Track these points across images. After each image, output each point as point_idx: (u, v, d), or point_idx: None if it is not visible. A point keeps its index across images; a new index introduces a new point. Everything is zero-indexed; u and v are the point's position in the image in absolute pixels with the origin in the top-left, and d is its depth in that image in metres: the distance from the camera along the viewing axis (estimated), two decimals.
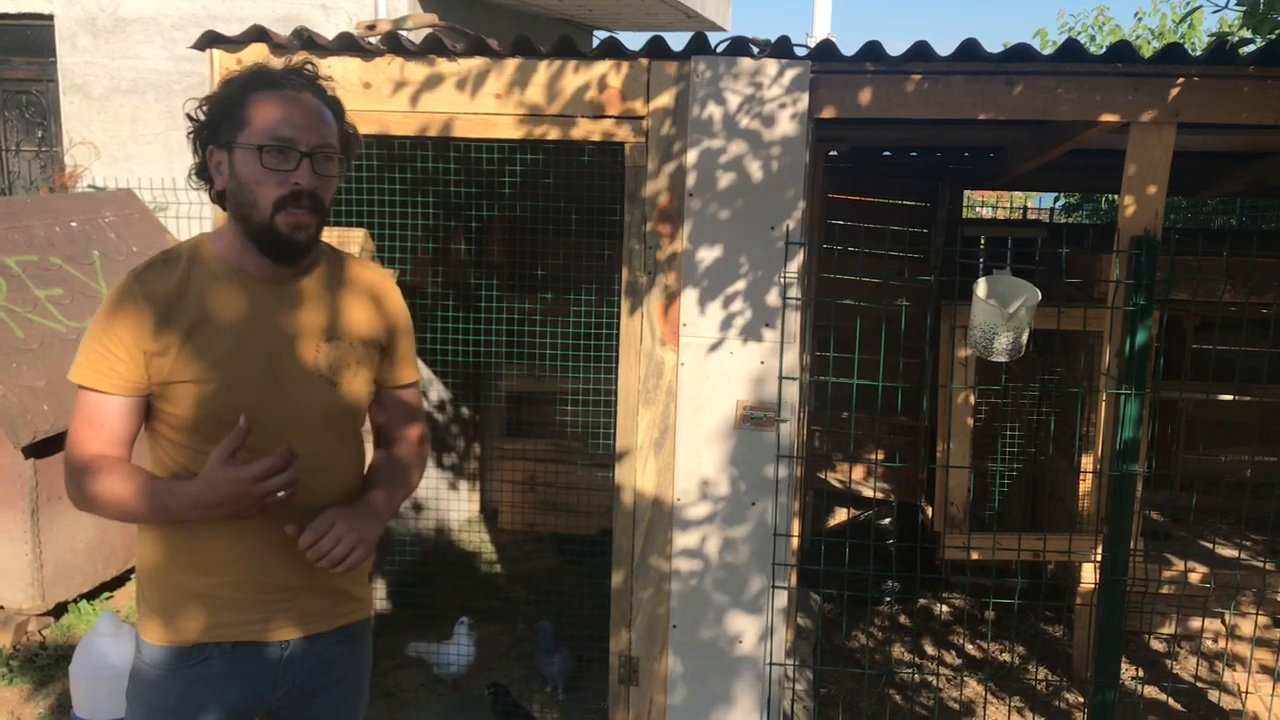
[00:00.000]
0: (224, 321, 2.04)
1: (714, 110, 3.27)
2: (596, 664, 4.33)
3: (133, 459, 2.08)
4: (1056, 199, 10.49)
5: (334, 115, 2.08)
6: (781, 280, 3.31)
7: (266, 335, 2.07)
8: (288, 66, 2.10)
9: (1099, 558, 3.56)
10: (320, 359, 2.10)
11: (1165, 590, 4.62)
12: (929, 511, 5.39)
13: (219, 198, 2.07)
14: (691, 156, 3.30)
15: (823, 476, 5.78)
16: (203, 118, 2.06)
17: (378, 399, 2.25)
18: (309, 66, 2.11)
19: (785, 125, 3.26)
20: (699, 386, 3.38)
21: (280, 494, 1.92)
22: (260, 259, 2.06)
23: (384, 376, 2.24)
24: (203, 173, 2.08)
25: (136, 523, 2.08)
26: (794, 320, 3.34)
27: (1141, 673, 4.55)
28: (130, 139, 8.97)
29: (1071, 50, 3.28)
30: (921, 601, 5.32)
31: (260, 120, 1.98)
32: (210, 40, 3.48)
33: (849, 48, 3.35)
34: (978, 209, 10.88)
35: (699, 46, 3.30)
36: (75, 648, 3.43)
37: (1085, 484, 4.38)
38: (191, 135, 2.08)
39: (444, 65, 3.41)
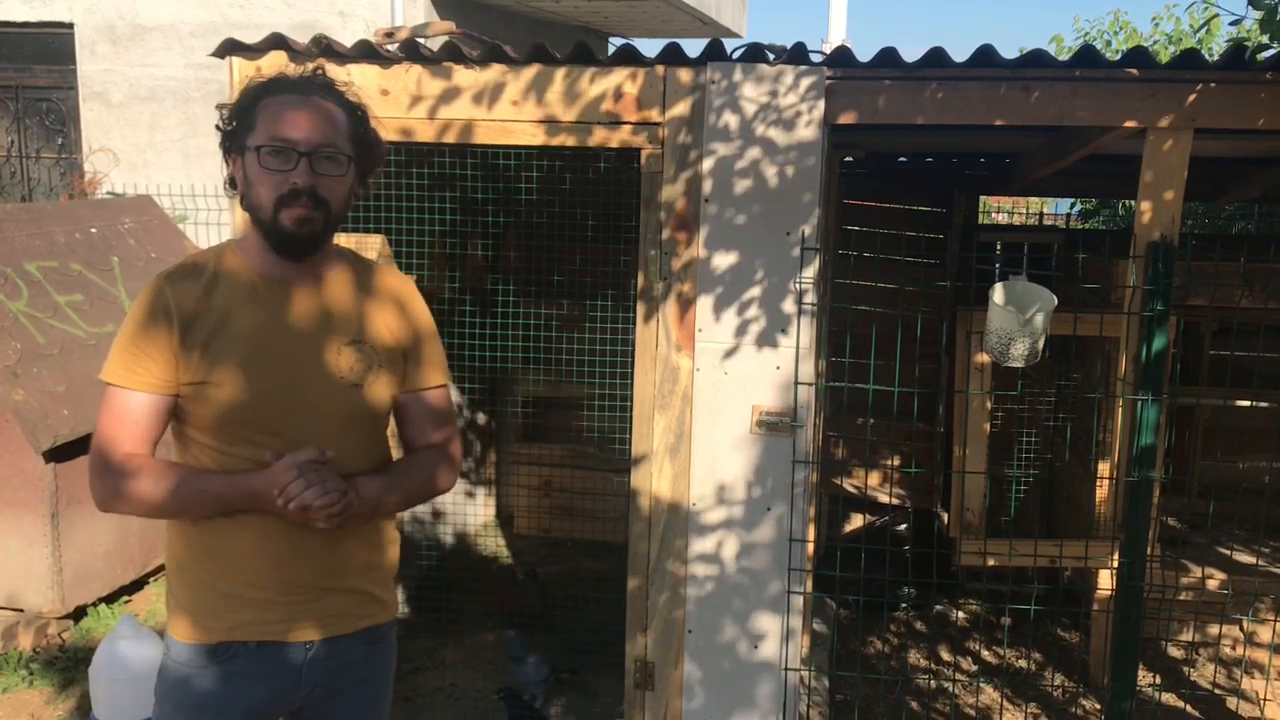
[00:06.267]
0: (247, 324, 2.07)
1: (730, 117, 3.28)
2: (568, 675, 4.37)
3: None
4: (1073, 205, 10.45)
5: (348, 119, 2.11)
6: (797, 286, 3.31)
7: (288, 338, 2.10)
8: (302, 73, 2.13)
9: (1116, 564, 3.55)
10: (341, 362, 2.13)
11: (1183, 597, 4.60)
12: (945, 517, 5.38)
13: (244, 203, 2.11)
14: (708, 163, 3.31)
15: (838, 482, 5.77)
16: (225, 127, 2.11)
17: (406, 403, 2.26)
18: (321, 72, 2.15)
19: (801, 131, 3.27)
20: (715, 392, 3.39)
21: (293, 504, 1.99)
22: (281, 263, 2.10)
23: (412, 380, 2.25)
24: (234, 182, 2.13)
25: (167, 515, 2.11)
26: (809, 326, 3.34)
27: (1159, 679, 4.53)
28: (149, 146, 9.03)
29: (1088, 56, 3.28)
30: (937, 608, 5.30)
31: (263, 123, 2.03)
32: (230, 48, 3.51)
33: (864, 54, 3.36)
34: (994, 215, 10.84)
35: (715, 53, 3.31)
36: (94, 650, 3.46)
37: (1102, 490, 4.37)
38: (221, 145, 2.13)
39: (461, 72, 3.43)
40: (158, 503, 2.05)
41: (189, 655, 2.13)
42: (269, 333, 2.09)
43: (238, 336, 2.06)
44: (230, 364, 2.05)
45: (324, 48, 3.48)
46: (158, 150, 9.03)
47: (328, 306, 2.15)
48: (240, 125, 2.06)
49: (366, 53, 3.47)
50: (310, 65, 2.21)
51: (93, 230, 5.66)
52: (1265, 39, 3.69)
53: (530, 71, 3.39)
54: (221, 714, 2.14)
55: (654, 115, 3.35)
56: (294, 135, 2.02)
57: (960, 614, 5.26)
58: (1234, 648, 4.80)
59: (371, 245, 3.78)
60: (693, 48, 3.36)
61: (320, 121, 2.05)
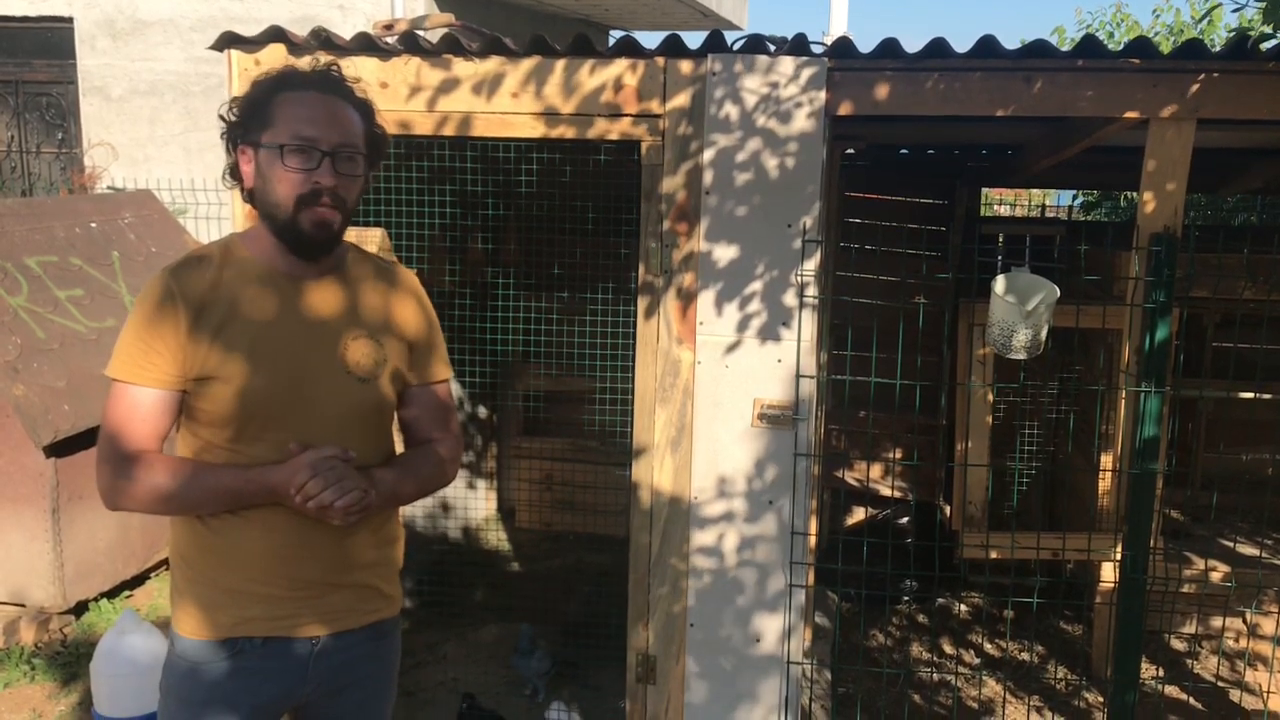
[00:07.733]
0: (254, 319, 2.06)
1: (730, 108, 3.26)
2: (571, 667, 4.35)
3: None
4: (1075, 197, 10.43)
5: (361, 116, 2.10)
6: (798, 278, 3.30)
7: (296, 332, 2.09)
8: (315, 68, 2.12)
9: (1118, 556, 3.54)
10: (348, 356, 2.12)
11: (1186, 589, 4.59)
12: (947, 510, 5.37)
13: (250, 197, 2.09)
14: (708, 154, 3.29)
15: (840, 475, 5.76)
16: (233, 118, 2.09)
17: (412, 396, 2.26)
18: (335, 68, 2.13)
19: (802, 122, 3.26)
20: (716, 385, 3.37)
21: (311, 502, 1.99)
22: (289, 257, 2.10)
23: (422, 374, 2.26)
24: (235, 172, 2.11)
25: (177, 511, 2.10)
26: (811, 318, 3.33)
27: (1162, 672, 4.52)
28: (149, 140, 9.02)
29: (1090, 46, 3.26)
30: (940, 601, 5.30)
31: (284, 120, 2.01)
32: (228, 41, 3.49)
33: (866, 46, 3.34)
34: (995, 207, 10.83)
35: (715, 45, 3.29)
36: (96, 645, 3.45)
37: (1105, 482, 4.36)
38: (224, 135, 2.11)
39: (461, 65, 3.41)
40: (170, 498, 2.03)
41: (195, 650, 2.13)
42: (278, 327, 2.08)
43: (246, 330, 2.05)
44: (239, 358, 2.04)
45: (323, 40, 3.47)
46: (158, 144, 9.02)
47: (340, 301, 2.14)
48: (254, 119, 2.04)
49: (365, 45, 3.45)
50: (323, 60, 2.20)
51: (93, 225, 5.64)
52: (1268, 29, 3.68)
53: (529, 63, 3.38)
54: (228, 709, 2.13)
55: (654, 106, 3.33)
56: (318, 134, 2.01)
57: (963, 607, 5.26)
58: (1237, 640, 4.79)
59: (371, 239, 3.76)
60: (693, 40, 3.34)
61: (341, 121, 2.05)
